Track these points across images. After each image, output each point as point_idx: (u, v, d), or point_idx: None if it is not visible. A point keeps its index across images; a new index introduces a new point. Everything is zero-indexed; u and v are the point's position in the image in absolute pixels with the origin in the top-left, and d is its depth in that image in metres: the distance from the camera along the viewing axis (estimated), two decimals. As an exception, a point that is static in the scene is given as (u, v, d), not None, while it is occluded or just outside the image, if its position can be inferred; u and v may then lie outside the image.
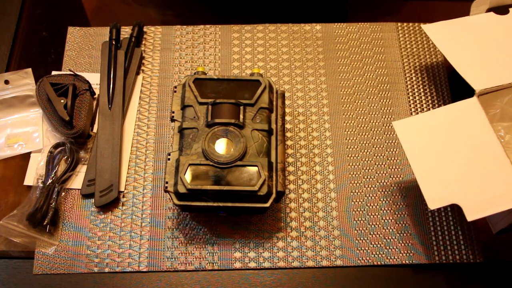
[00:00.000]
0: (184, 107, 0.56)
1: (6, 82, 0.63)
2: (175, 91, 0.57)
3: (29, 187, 0.59)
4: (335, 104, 0.65)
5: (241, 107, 0.55)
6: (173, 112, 0.56)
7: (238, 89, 0.57)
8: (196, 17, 0.71)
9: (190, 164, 0.52)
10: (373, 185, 0.60)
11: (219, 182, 0.52)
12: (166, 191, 0.52)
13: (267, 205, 0.52)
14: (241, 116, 0.55)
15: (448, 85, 0.66)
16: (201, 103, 0.56)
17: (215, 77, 0.57)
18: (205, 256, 0.56)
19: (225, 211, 0.55)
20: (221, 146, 0.53)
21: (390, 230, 0.57)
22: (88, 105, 0.61)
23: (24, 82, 0.64)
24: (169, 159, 0.54)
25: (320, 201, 0.59)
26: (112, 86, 0.64)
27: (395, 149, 0.62)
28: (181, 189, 0.51)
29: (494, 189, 0.49)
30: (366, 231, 0.57)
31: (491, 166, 0.51)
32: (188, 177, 0.52)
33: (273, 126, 0.56)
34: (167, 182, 0.53)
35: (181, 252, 0.56)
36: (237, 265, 0.56)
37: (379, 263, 0.56)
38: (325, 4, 0.73)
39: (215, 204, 0.52)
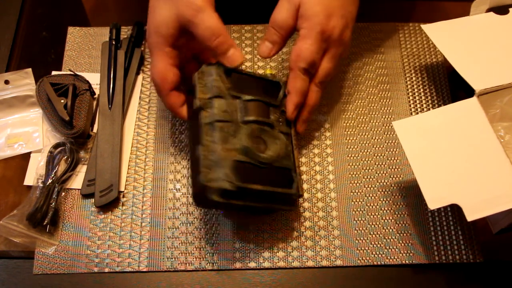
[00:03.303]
0: (213, 97, 0.52)
1: (6, 82, 0.63)
2: (199, 78, 0.54)
3: (29, 187, 0.59)
4: (335, 104, 0.65)
5: (270, 108, 0.54)
6: (200, 100, 0.52)
7: (261, 87, 0.55)
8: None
9: (235, 161, 0.49)
10: (373, 185, 0.60)
11: (259, 181, 0.50)
12: (203, 185, 0.48)
13: (295, 207, 0.52)
14: (271, 117, 0.54)
15: (448, 85, 0.66)
16: (233, 96, 0.53)
17: (243, 72, 0.55)
18: (205, 256, 0.56)
19: (253, 211, 0.55)
20: (260, 145, 0.52)
21: (390, 230, 0.57)
22: (88, 105, 0.62)
23: (24, 82, 0.64)
24: (195, 150, 0.50)
25: (320, 201, 0.59)
26: (112, 86, 0.64)
27: (395, 149, 0.62)
28: (227, 186, 0.48)
29: (494, 189, 0.49)
30: (366, 231, 0.57)
31: (491, 166, 0.51)
32: (233, 174, 0.49)
33: (290, 130, 0.56)
34: (197, 174, 0.48)
35: (181, 252, 0.56)
36: (237, 265, 0.56)
37: (379, 263, 0.56)
38: None
39: (252, 204, 0.50)
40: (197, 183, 0.49)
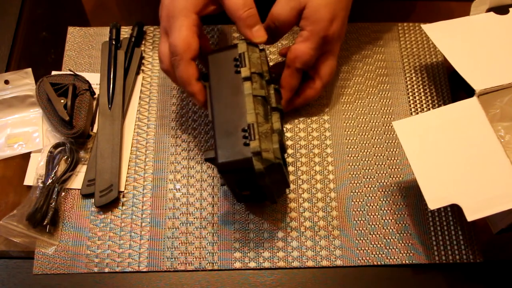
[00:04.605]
0: (257, 73, 0.52)
1: (6, 82, 0.63)
2: (247, 51, 0.53)
3: (29, 187, 0.59)
4: (335, 104, 0.65)
5: None
6: (249, 70, 0.51)
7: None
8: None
9: (279, 140, 0.50)
10: (373, 185, 0.60)
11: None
12: (255, 152, 0.47)
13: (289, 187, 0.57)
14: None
15: (448, 85, 0.66)
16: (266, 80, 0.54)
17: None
18: (205, 256, 0.56)
19: (258, 197, 0.56)
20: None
21: (390, 230, 0.57)
22: (88, 105, 0.62)
23: (24, 82, 0.64)
24: (238, 117, 0.49)
25: (320, 201, 0.59)
26: (112, 86, 0.64)
27: (395, 149, 0.62)
28: (275, 160, 0.48)
29: (494, 189, 0.49)
30: (366, 231, 0.57)
31: (491, 166, 0.51)
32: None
33: None
34: (239, 142, 0.48)
35: (181, 252, 0.56)
36: (237, 265, 0.56)
37: (379, 263, 0.56)
38: None
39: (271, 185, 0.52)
40: (239, 150, 0.48)
